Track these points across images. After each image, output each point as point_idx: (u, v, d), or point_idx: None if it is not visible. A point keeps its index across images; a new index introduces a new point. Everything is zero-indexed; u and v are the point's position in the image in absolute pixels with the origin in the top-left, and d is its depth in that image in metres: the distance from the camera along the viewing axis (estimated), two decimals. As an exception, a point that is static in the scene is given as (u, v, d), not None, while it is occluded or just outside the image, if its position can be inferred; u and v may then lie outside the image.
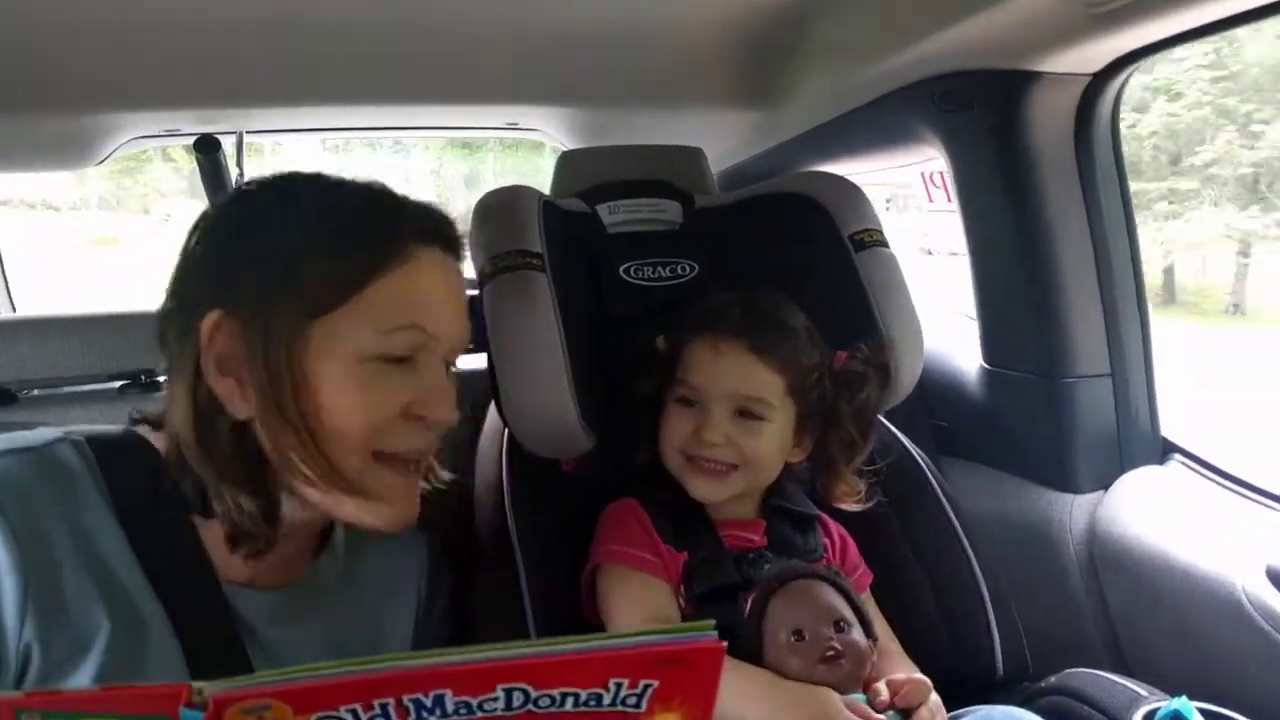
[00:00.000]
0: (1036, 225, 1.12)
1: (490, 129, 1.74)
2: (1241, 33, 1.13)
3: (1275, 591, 0.91)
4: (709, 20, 1.16)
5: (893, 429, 1.00)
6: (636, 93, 1.36)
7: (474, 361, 0.99)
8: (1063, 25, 0.92)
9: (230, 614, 0.63)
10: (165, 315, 0.63)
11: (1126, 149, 1.14)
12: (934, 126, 1.18)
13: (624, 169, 1.05)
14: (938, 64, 1.07)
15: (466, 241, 0.71)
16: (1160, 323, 1.20)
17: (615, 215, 1.01)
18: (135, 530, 0.60)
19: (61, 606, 0.56)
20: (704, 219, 1.03)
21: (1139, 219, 1.17)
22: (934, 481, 0.96)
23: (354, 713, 0.38)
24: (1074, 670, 0.84)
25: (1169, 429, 1.19)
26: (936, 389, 1.32)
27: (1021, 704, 0.81)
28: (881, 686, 0.75)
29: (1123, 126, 1.14)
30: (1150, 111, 3.04)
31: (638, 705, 0.41)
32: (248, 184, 0.69)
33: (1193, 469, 1.13)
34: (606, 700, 0.40)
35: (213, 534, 0.63)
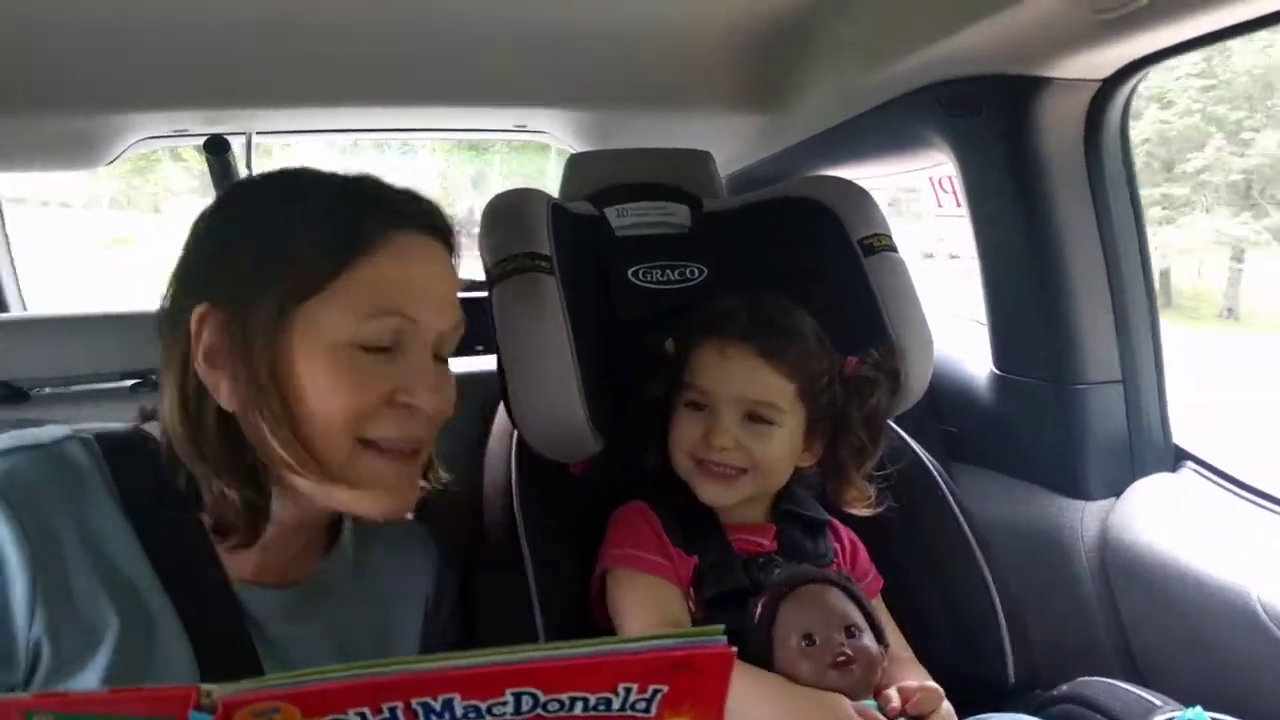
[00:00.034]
0: (1046, 231, 1.11)
1: (498, 131, 1.75)
2: (1232, 42, 1.12)
3: (1290, 601, 0.90)
4: (717, 23, 1.16)
5: (903, 434, 1.00)
6: (643, 96, 1.36)
7: (483, 363, 0.99)
8: (1072, 30, 0.91)
9: (239, 611, 0.63)
10: (162, 312, 0.64)
11: (1121, 155, 1.14)
12: (943, 131, 1.18)
13: (632, 172, 1.05)
14: (946, 69, 1.07)
15: (459, 232, 0.70)
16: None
17: (624, 218, 1.01)
18: (144, 527, 0.61)
19: (70, 603, 0.56)
20: (712, 222, 1.03)
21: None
22: (945, 487, 0.96)
23: (362, 716, 0.38)
24: (1086, 679, 0.84)
25: (1179, 435, 1.17)
26: (947, 394, 1.32)
27: (1033, 712, 0.80)
28: (893, 693, 0.75)
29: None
30: (1143, 119, 3.05)
31: (647, 710, 0.40)
32: (239, 181, 0.69)
33: (1205, 476, 1.12)
34: (615, 705, 0.40)
35: None
